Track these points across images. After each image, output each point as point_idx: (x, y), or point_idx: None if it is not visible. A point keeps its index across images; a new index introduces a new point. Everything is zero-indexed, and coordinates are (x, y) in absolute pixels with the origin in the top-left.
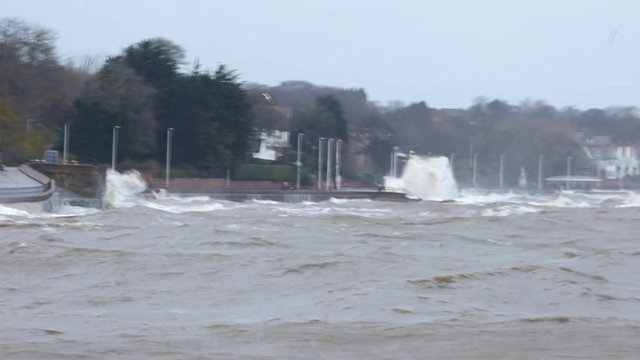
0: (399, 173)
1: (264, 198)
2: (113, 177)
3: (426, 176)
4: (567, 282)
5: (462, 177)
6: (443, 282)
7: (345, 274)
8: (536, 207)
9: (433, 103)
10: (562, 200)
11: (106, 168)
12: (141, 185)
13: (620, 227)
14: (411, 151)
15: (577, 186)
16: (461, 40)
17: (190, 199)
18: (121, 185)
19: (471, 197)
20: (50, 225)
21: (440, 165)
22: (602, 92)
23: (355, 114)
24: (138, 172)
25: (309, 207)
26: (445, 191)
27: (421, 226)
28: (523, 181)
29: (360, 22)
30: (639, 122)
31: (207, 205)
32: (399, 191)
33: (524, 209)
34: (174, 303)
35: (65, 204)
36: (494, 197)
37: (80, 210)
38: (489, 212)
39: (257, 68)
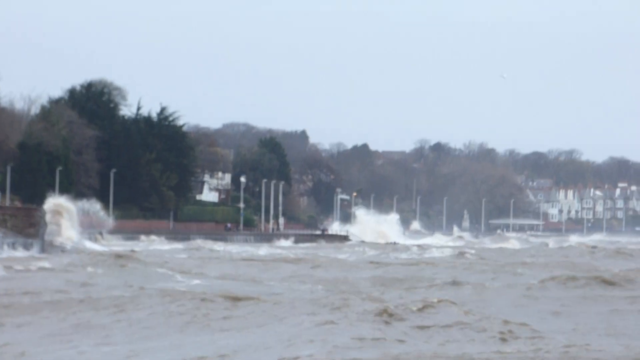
0: (345, 219)
1: (206, 239)
2: (69, 205)
3: (376, 233)
4: None
5: (405, 219)
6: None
7: None
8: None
9: (375, 145)
10: (513, 243)
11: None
12: (105, 217)
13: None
14: (354, 193)
15: (519, 229)
16: (402, 82)
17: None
18: (73, 219)
19: (413, 240)
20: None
21: (390, 223)
22: (544, 135)
23: (297, 156)
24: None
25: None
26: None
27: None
28: (466, 223)
29: (301, 64)
30: (581, 165)
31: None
32: (342, 233)
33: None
34: None
35: (7, 245)
36: (440, 239)
37: (21, 252)
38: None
39: (199, 110)
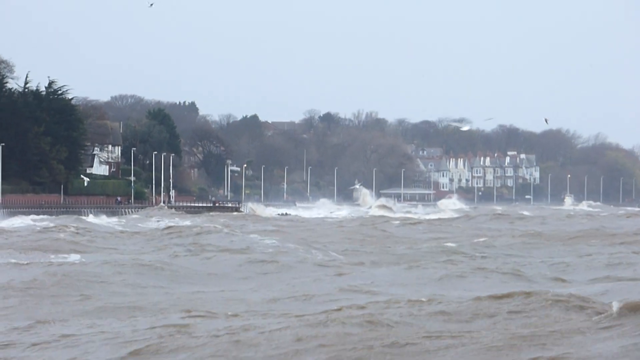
0: (236, 190)
1: (97, 213)
2: None
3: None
4: None
5: (296, 190)
6: None
7: None
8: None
9: (265, 116)
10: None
11: None
12: None
13: None
14: (245, 165)
15: (410, 198)
16: (291, 53)
17: None
18: None
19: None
20: None
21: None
22: (433, 104)
23: (187, 128)
24: None
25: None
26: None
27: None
28: (357, 193)
29: (189, 34)
30: (470, 134)
31: None
32: (232, 204)
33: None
34: None
35: None
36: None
37: None
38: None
39: (88, 83)
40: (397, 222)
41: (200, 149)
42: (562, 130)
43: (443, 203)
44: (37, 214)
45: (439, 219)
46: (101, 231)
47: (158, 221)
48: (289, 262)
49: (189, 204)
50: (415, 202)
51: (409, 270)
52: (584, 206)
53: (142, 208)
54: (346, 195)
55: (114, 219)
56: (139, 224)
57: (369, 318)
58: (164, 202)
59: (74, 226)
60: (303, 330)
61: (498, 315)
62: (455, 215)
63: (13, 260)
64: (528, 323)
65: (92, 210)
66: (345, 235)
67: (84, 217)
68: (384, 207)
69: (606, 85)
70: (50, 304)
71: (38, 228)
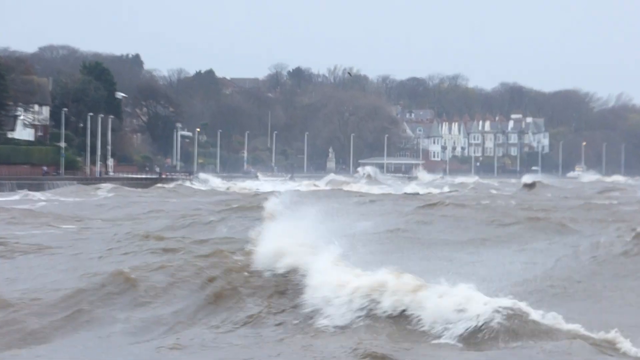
0: (187, 158)
1: (19, 187)
2: None
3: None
4: None
5: (259, 159)
6: None
7: None
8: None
9: (223, 71)
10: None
11: None
12: None
13: None
14: (198, 129)
15: (395, 169)
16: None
17: None
18: None
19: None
20: None
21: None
22: (423, 59)
23: (130, 84)
24: None
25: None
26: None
27: None
28: (332, 164)
29: None
30: (467, 93)
31: None
32: (183, 175)
33: None
34: None
35: None
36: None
37: None
38: None
39: (10, 32)
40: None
41: (144, 110)
42: (577, 90)
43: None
44: None
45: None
46: None
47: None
48: None
49: (129, 175)
50: (400, 175)
51: None
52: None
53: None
54: (319, 165)
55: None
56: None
57: None
58: (100, 173)
59: None
60: None
61: None
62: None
63: None
64: None
65: (9, 183)
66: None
67: None
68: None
69: (632, 36)
70: None
71: None
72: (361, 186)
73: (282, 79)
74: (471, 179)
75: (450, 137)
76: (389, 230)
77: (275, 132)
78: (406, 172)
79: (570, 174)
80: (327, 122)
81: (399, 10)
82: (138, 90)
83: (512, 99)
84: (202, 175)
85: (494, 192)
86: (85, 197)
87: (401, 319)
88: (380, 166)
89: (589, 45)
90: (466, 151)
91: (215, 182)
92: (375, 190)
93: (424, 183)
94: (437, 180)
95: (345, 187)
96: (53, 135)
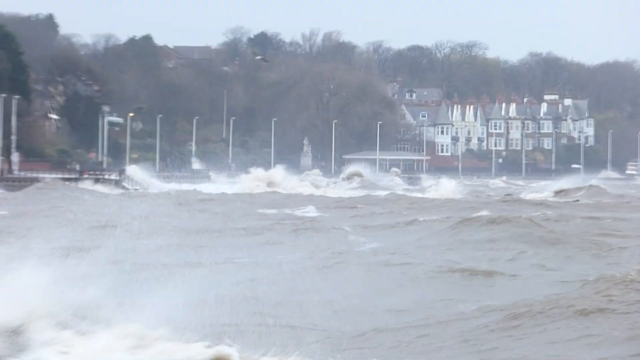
0: (117, 153)
1: None
2: None
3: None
4: None
5: (211, 153)
6: None
7: None
8: None
9: (164, 38)
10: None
11: None
12: None
13: None
14: (131, 114)
15: (391, 166)
16: None
17: None
18: None
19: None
20: None
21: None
22: (428, 22)
23: (41, 54)
24: None
25: None
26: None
27: None
28: (307, 160)
29: None
30: (486, 67)
31: None
32: (113, 176)
33: None
34: None
35: None
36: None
37: None
38: None
39: None
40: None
41: (60, 88)
42: (631, 62)
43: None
44: None
45: None
46: None
47: None
48: None
49: (40, 175)
50: (406, 176)
51: None
52: None
53: None
54: (291, 162)
55: None
56: None
57: None
58: (1, 172)
59: None
60: None
61: None
62: None
63: None
64: None
65: None
66: None
67: None
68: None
69: None
70: None
71: None
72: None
73: (242, 48)
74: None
75: (464, 124)
76: None
77: (233, 118)
78: (407, 170)
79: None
80: (302, 105)
81: None
82: (52, 62)
83: (545, 75)
84: (134, 171)
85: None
86: None
87: None
88: (372, 163)
89: None
90: (484, 144)
91: (152, 183)
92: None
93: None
94: (474, 185)
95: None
96: None
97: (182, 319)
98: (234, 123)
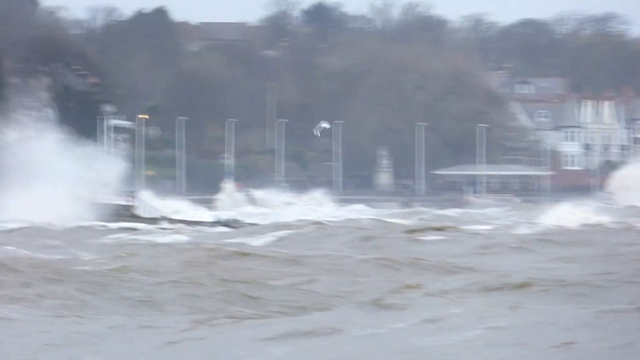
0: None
1: None
2: None
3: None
4: None
5: (253, 168)
6: None
7: None
8: None
9: (184, 13)
10: None
11: None
12: None
13: None
14: (140, 116)
15: (501, 186)
16: None
17: None
18: None
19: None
20: None
21: None
22: None
23: (19, 35)
24: None
25: None
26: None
27: None
28: (385, 177)
29: None
30: (628, 48)
31: None
32: (122, 202)
33: None
34: None
35: None
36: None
37: None
38: None
39: None
40: None
41: (45, 81)
42: None
43: None
44: None
45: None
46: None
47: None
48: None
49: None
50: (508, 196)
51: None
52: None
53: None
54: (362, 180)
55: None
56: None
57: None
58: None
59: None
60: None
61: None
62: None
63: None
64: None
65: None
66: None
67: None
68: None
69: None
70: None
71: None
72: None
73: (292, 24)
74: None
75: (600, 127)
76: None
77: (283, 120)
78: (524, 190)
79: None
80: (375, 102)
81: None
82: (30, 46)
83: None
84: (145, 196)
85: None
86: None
87: None
88: (470, 180)
89: None
90: (629, 152)
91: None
92: None
93: None
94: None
95: None
96: None
97: None
98: (286, 126)
